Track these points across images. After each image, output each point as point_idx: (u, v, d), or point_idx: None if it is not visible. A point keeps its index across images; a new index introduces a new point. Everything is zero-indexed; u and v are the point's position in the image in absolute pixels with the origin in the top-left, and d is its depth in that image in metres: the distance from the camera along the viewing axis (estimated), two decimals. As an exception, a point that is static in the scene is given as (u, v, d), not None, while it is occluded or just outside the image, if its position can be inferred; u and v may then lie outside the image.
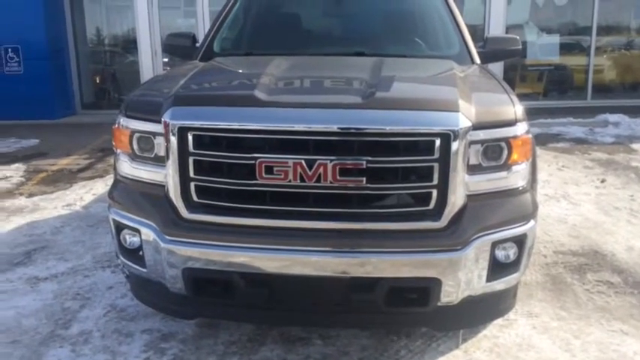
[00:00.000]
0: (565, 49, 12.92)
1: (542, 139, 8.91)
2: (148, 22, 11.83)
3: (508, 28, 12.06)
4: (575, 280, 4.06)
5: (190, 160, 2.69)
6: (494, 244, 2.78)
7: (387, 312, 2.81)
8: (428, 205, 2.68)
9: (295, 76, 3.19)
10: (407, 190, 2.69)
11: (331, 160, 2.58)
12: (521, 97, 10.42)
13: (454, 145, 2.62)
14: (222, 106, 2.72)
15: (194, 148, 2.68)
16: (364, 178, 2.60)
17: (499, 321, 3.48)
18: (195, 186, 2.72)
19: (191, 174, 2.70)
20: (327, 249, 2.65)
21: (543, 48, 12.97)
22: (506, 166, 2.80)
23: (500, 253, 2.84)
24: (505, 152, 2.79)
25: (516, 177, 2.84)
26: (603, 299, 3.80)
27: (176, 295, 2.86)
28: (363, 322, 2.92)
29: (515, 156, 2.81)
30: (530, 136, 2.87)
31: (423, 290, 2.71)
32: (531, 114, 10.36)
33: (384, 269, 2.65)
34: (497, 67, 11.54)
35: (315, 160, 2.58)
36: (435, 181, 2.65)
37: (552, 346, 3.25)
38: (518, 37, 4.48)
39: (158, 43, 11.63)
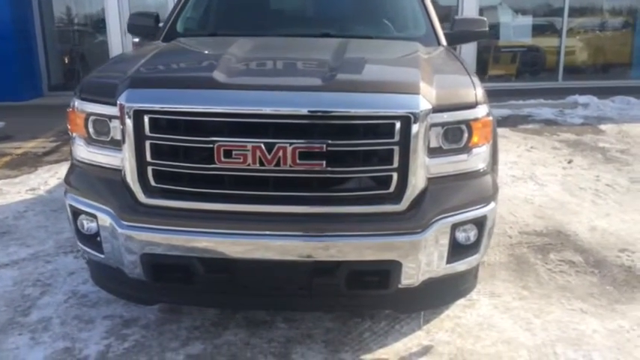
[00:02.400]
0: (538, 30, 12.99)
1: (512, 121, 9.00)
2: (117, 1, 11.57)
3: (482, 10, 12.08)
4: (539, 260, 4.12)
5: (147, 143, 2.64)
6: (455, 227, 2.79)
7: (349, 295, 2.81)
8: (388, 188, 2.68)
9: (256, 58, 3.14)
10: (367, 174, 2.67)
11: (291, 144, 2.55)
12: (494, 78, 10.50)
13: (414, 128, 2.61)
14: (180, 89, 2.66)
15: (150, 131, 2.63)
16: (324, 162, 2.58)
17: (462, 301, 3.51)
18: (153, 170, 2.67)
19: (148, 158, 2.66)
20: (288, 233, 2.63)
21: (516, 29, 13.02)
22: (466, 149, 2.80)
23: (460, 235, 2.85)
24: (465, 135, 2.79)
25: (477, 159, 2.85)
26: (565, 278, 3.86)
27: (135, 281, 2.83)
28: (325, 305, 2.92)
29: (475, 138, 2.81)
30: (490, 118, 2.88)
31: (384, 273, 2.72)
32: (503, 95, 10.44)
33: (345, 253, 2.64)
34: (470, 49, 11.59)
35: (275, 143, 2.55)
36: (396, 164, 2.64)
37: (513, 326, 3.30)
38: (485, 19, 4.48)
39: (128, 23, 11.36)
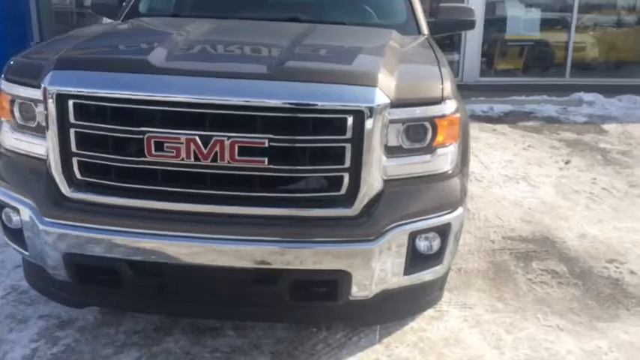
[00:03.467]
0: (547, 25, 12.58)
1: (512, 118, 8.68)
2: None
3: (489, 4, 11.69)
4: (519, 269, 3.83)
5: (72, 132, 2.38)
6: (413, 235, 2.52)
7: (293, 306, 2.55)
8: (339, 190, 2.41)
9: (205, 41, 2.85)
10: (315, 174, 2.40)
11: (229, 138, 2.29)
12: (500, 72, 10.08)
13: (369, 124, 2.33)
14: (108, 72, 2.39)
15: (75, 118, 2.37)
16: (266, 159, 2.31)
17: (430, 312, 3.25)
18: (78, 162, 2.41)
19: (73, 148, 2.39)
20: (222, 237, 2.37)
21: (525, 23, 12.62)
22: (430, 149, 2.52)
23: (421, 244, 2.58)
24: (429, 133, 2.51)
25: (442, 161, 2.57)
26: (545, 290, 3.58)
27: (62, 282, 2.58)
28: (267, 315, 2.66)
29: (440, 137, 2.53)
30: (458, 115, 2.59)
31: (331, 284, 2.46)
32: (508, 90, 10.03)
33: (287, 261, 2.38)
34: (475, 41, 11.20)
35: (211, 136, 2.28)
36: (347, 164, 2.37)
37: (481, 342, 3.03)
38: (472, 8, 4.17)
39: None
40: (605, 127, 8.28)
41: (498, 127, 7.93)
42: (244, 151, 2.30)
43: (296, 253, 2.38)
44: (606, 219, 4.76)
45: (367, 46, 2.99)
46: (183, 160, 2.31)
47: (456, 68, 11.03)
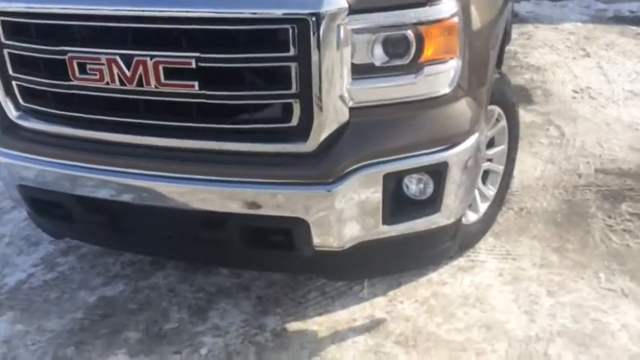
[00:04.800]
0: None
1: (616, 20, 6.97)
2: None
3: None
4: (601, 212, 3.08)
5: (5, 52, 2.16)
6: (392, 177, 2.01)
7: (250, 253, 2.21)
8: (289, 121, 1.95)
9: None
10: (256, 100, 1.96)
11: (152, 57, 1.92)
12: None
13: (320, 36, 1.81)
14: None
15: (5, 37, 2.14)
16: (196, 83, 1.92)
17: (460, 261, 2.73)
18: (17, 86, 2.21)
19: (10, 71, 2.19)
20: (161, 173, 2.06)
21: None
22: (414, 67, 1.93)
23: (406, 188, 2.07)
24: (413, 46, 1.91)
25: (433, 81, 1.97)
26: (624, 241, 2.84)
27: (33, 211, 2.48)
28: (220, 259, 2.35)
29: (429, 51, 1.92)
30: (456, 20, 1.94)
31: (286, 232, 2.06)
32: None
33: (228, 204, 2.02)
34: None
35: (132, 56, 1.93)
36: (295, 88, 1.89)
37: (510, 304, 2.47)
38: None
39: None
40: None
41: (610, 34, 6.46)
42: (171, 73, 1.92)
43: (239, 196, 2.00)
44: None
45: None
46: (108, 84, 2.00)
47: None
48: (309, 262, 2.20)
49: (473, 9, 2.05)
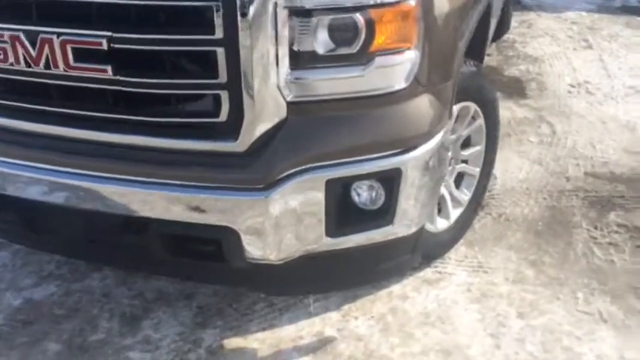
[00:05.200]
0: None
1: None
2: None
3: None
4: (586, 221, 2.81)
5: None
6: (335, 183, 1.74)
7: (176, 263, 1.96)
8: (217, 115, 1.68)
9: None
10: (178, 90, 1.69)
11: (59, 35, 1.65)
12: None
13: (251, 17, 1.54)
14: None
15: None
16: (109, 67, 1.65)
17: (427, 273, 2.48)
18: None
19: None
20: (72, 170, 1.81)
21: None
22: (362, 57, 1.66)
23: (353, 197, 1.81)
24: (362, 33, 1.63)
25: (385, 74, 1.70)
26: (608, 256, 2.57)
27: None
28: (154, 267, 2.09)
29: (380, 39, 1.65)
30: (413, 3, 1.66)
31: (214, 242, 1.81)
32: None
33: (146, 208, 1.76)
34: None
35: (37, 32, 1.67)
36: (223, 78, 1.62)
37: (475, 325, 2.22)
38: None
39: None
40: None
41: (614, 26, 6.11)
42: (80, 54, 1.66)
43: (159, 199, 1.75)
44: None
45: None
46: (13, 65, 1.74)
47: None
48: (244, 275, 1.94)
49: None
